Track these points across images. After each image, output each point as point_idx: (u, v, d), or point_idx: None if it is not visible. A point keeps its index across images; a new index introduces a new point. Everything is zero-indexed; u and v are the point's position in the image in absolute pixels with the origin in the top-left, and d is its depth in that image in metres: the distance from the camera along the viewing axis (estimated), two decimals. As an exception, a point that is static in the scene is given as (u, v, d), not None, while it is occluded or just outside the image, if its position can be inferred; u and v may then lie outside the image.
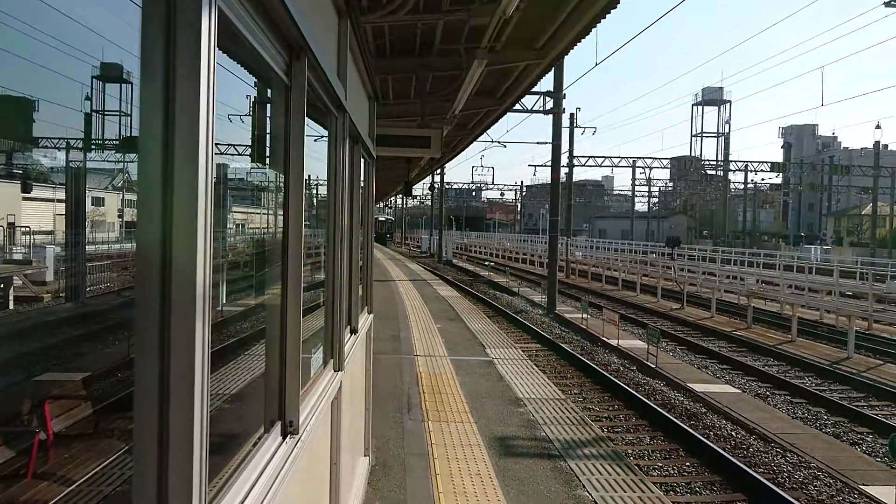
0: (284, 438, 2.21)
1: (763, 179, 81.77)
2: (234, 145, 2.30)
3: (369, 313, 5.85)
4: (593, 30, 8.65)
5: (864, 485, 7.61)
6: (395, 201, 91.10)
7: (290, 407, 2.26)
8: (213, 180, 1.22)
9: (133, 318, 1.13)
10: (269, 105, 2.27)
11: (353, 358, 4.31)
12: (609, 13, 7.94)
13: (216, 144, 1.25)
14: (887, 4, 17.75)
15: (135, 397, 1.15)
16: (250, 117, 2.37)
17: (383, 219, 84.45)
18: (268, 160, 2.47)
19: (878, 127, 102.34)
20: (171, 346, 1.16)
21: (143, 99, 1.11)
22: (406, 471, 5.83)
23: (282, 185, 2.32)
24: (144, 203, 1.12)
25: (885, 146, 71.52)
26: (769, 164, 69.24)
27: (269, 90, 2.27)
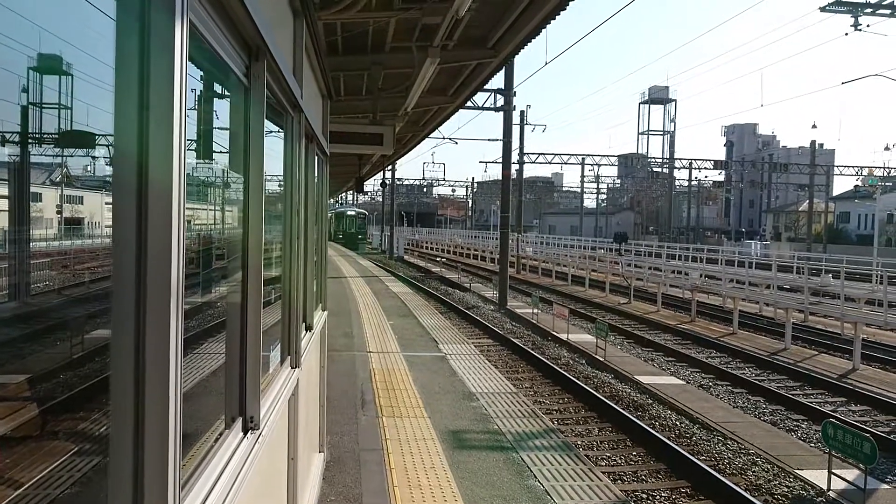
0: (245, 434, 2.25)
1: (706, 177, 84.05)
2: (193, 140, 2.31)
3: (323, 310, 5.88)
4: (543, 30, 8.80)
5: (798, 469, 7.99)
6: (346, 197, 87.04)
7: (251, 403, 2.30)
8: (185, 184, 1.27)
9: (110, 315, 1.17)
10: (228, 105, 2.30)
11: (309, 355, 4.34)
12: (559, 14, 8.09)
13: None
14: (822, 9, 18.51)
15: (111, 397, 1.18)
16: (214, 118, 2.38)
17: (352, 213, 57.85)
18: (227, 158, 2.49)
19: (814, 127, 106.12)
20: (146, 345, 1.20)
21: (117, 103, 1.15)
22: (361, 465, 5.87)
23: (239, 183, 2.35)
24: (120, 206, 1.16)
25: (821, 145, 74.45)
26: (712, 162, 71.26)
27: (227, 91, 2.30)
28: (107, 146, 1.55)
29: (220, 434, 2.12)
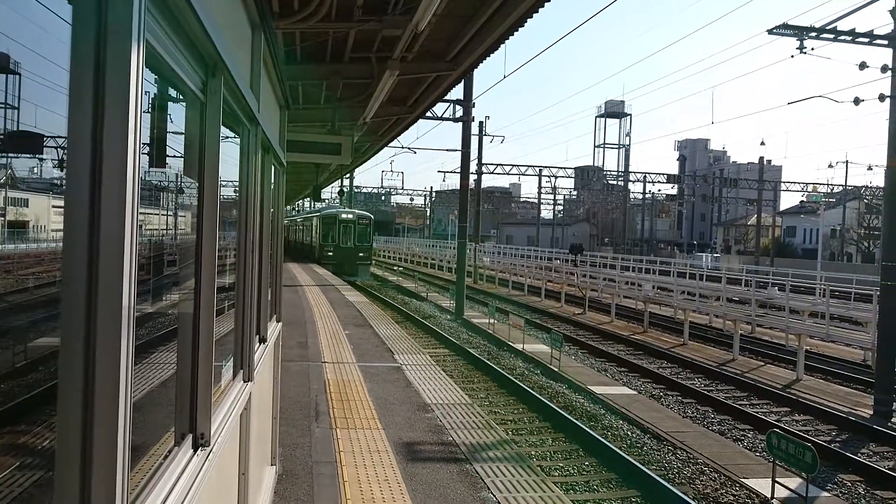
0: (196, 451, 2.23)
1: (660, 190, 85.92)
2: (146, 143, 2.31)
3: (278, 321, 5.82)
4: (502, 45, 8.93)
5: (744, 478, 8.21)
6: (303, 205, 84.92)
7: (202, 419, 2.28)
8: (139, 200, 1.27)
9: (57, 322, 1.16)
10: (184, 120, 2.29)
11: (262, 367, 4.30)
12: (517, 30, 8.22)
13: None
14: (770, 31, 19.15)
15: (58, 411, 1.17)
16: (168, 133, 2.37)
17: (349, 216, 37.31)
18: (181, 169, 2.48)
19: (762, 143, 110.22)
20: (97, 356, 1.19)
21: (71, 119, 1.15)
22: (314, 479, 5.82)
23: (194, 195, 2.34)
24: (71, 214, 1.16)
25: (769, 161, 76.74)
26: (666, 176, 73.04)
27: (183, 106, 2.29)
28: (55, 148, 1.54)
29: (170, 451, 2.10)
